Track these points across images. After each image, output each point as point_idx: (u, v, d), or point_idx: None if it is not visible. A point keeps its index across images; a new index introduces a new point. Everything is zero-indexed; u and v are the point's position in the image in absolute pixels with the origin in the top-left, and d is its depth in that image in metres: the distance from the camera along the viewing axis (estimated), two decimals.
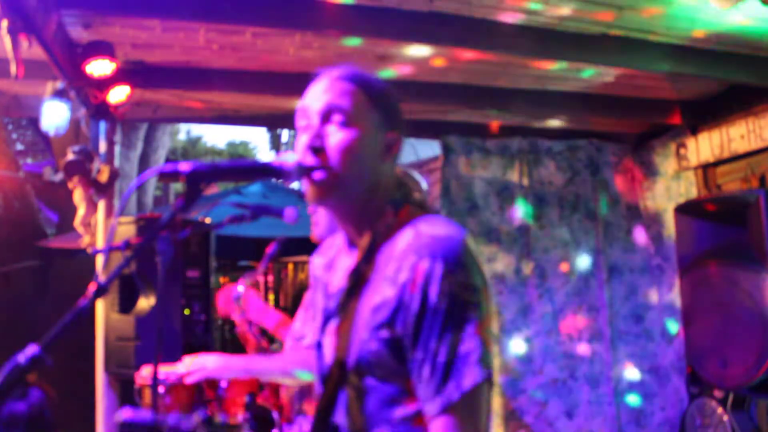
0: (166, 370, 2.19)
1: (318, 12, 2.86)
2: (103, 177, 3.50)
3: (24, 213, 6.15)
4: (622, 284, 4.62)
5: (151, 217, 3.66)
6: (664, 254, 4.54)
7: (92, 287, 0.96)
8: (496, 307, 4.35)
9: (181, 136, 20.50)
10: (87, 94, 3.31)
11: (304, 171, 1.12)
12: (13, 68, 2.47)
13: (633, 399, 4.53)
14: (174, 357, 2.47)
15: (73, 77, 3.13)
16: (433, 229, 1.09)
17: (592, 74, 3.76)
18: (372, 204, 1.17)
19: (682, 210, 4.15)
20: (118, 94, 3.30)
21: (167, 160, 9.40)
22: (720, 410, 3.74)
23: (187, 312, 4.00)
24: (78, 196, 3.56)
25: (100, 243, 3.62)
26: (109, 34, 3.11)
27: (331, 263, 1.29)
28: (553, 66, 3.62)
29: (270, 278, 9.71)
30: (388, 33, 3.08)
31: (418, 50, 3.36)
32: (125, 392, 3.58)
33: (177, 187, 13.92)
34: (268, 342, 2.66)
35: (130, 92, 3.35)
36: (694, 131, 4.40)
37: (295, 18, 2.88)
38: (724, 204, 3.87)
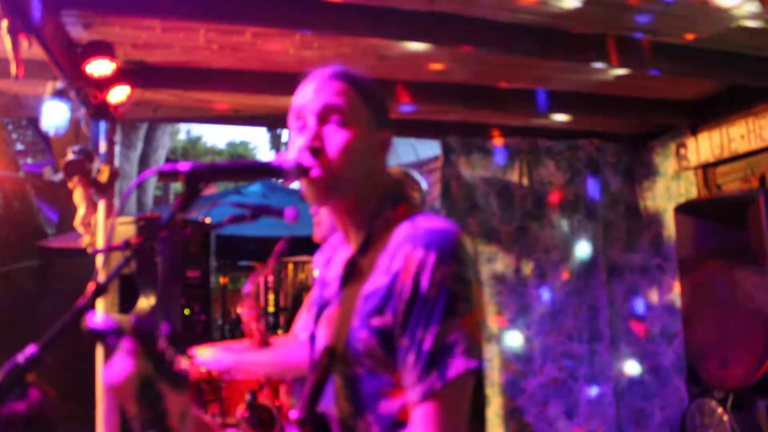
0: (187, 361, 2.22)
1: (318, 12, 2.87)
2: (103, 177, 3.50)
3: (24, 213, 6.16)
4: (622, 284, 4.62)
5: (151, 217, 3.66)
6: (664, 254, 4.54)
7: (91, 287, 0.96)
8: (496, 306, 4.35)
9: (181, 136, 20.52)
10: (87, 94, 3.30)
11: (303, 171, 1.12)
12: (13, 68, 2.47)
13: (633, 399, 4.52)
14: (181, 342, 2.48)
15: (73, 77, 3.13)
16: (429, 222, 1.09)
17: (593, 74, 3.76)
18: (369, 201, 1.18)
19: (682, 210, 4.15)
20: (118, 94, 3.30)
21: (167, 160, 9.40)
22: (720, 410, 3.74)
23: (187, 312, 4.01)
24: (78, 196, 3.55)
25: (100, 243, 3.61)
26: (109, 34, 3.10)
27: (330, 259, 1.31)
28: (554, 66, 3.62)
29: (270, 278, 9.71)
30: (388, 33, 3.08)
31: (418, 50, 3.36)
32: None
33: (177, 187, 13.92)
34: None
35: (130, 92, 3.35)
36: (694, 131, 4.40)
37: (295, 18, 2.88)
38: (724, 204, 3.88)
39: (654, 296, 4.59)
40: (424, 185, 2.46)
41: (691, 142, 4.40)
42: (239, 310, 2.64)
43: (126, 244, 1.89)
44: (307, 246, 2.41)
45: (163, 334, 0.95)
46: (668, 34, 3.23)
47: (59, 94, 3.18)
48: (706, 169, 4.38)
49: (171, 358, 0.95)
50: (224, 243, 6.15)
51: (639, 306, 4.60)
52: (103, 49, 3.06)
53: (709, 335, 3.83)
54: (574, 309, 4.49)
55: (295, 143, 1.17)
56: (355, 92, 1.16)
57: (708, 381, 3.84)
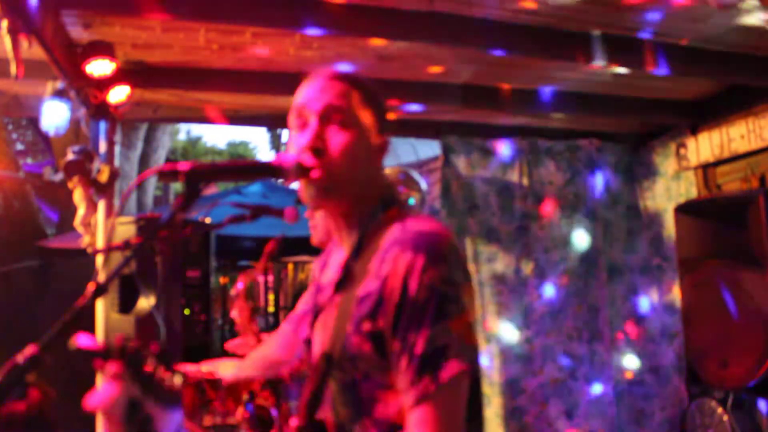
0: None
1: (318, 12, 2.86)
2: (103, 177, 3.49)
3: (24, 213, 6.15)
4: (622, 284, 4.62)
5: (151, 217, 3.65)
6: (664, 254, 4.54)
7: (91, 287, 0.96)
8: (496, 306, 4.35)
9: (181, 136, 20.53)
10: (87, 94, 3.30)
11: (303, 171, 1.12)
12: (13, 68, 2.46)
13: (633, 399, 4.52)
14: (174, 357, 2.48)
15: (73, 77, 3.12)
16: (418, 225, 1.09)
17: (593, 74, 3.75)
18: (364, 204, 1.17)
19: (682, 210, 4.16)
20: (118, 94, 3.30)
21: (167, 160, 9.40)
22: (720, 410, 3.74)
23: (187, 312, 4.01)
24: (78, 196, 3.55)
25: (100, 243, 3.61)
26: (109, 34, 3.10)
27: (325, 263, 1.31)
28: (554, 65, 3.62)
29: (270, 278, 9.72)
30: (388, 33, 3.08)
31: (418, 50, 3.35)
32: None
33: (177, 187, 13.92)
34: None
35: (130, 92, 3.35)
36: (694, 131, 4.40)
37: (295, 18, 2.88)
38: (724, 204, 3.88)
39: (654, 296, 4.59)
40: (423, 185, 2.46)
41: (691, 142, 4.40)
42: (232, 313, 2.65)
43: (126, 244, 1.89)
44: (307, 246, 2.41)
45: (152, 353, 0.94)
46: (668, 34, 3.23)
47: (59, 94, 3.17)
48: (706, 169, 4.38)
49: (160, 377, 0.94)
50: (224, 243, 6.15)
51: (639, 306, 4.60)
52: (103, 49, 3.06)
53: (709, 335, 3.84)
54: (574, 309, 4.49)
55: (295, 142, 1.17)
56: (358, 94, 1.16)
57: (708, 381, 3.84)
